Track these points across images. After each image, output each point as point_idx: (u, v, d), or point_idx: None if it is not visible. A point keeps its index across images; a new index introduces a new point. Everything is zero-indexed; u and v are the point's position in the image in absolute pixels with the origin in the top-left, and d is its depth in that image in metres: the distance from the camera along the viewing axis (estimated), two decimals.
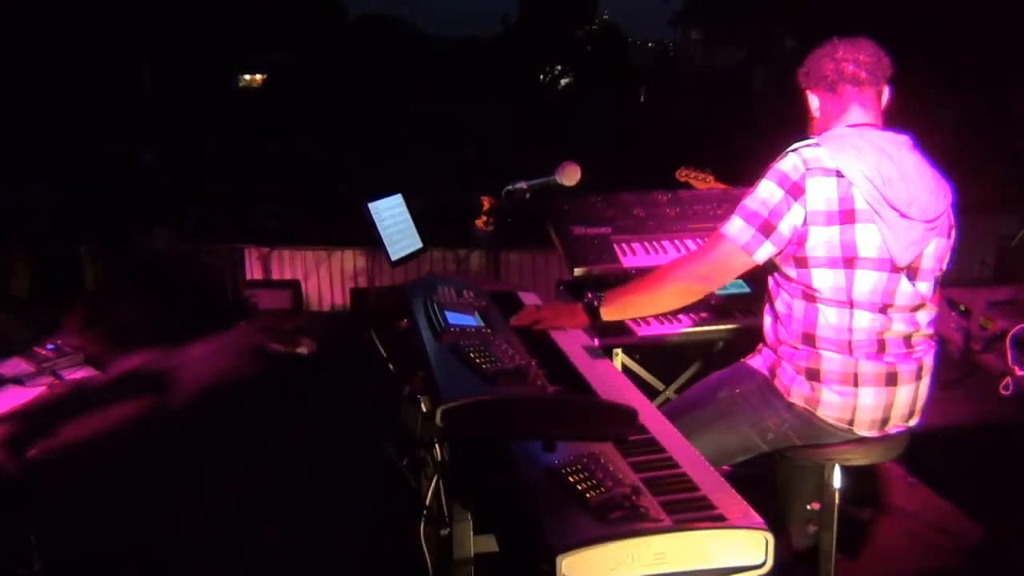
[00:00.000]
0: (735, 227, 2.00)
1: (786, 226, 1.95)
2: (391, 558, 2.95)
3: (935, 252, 2.04)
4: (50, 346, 5.51)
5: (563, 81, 32.84)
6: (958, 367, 4.73)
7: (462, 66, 26.14)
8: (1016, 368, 4.11)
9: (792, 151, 2.00)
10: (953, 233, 2.10)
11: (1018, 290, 4.92)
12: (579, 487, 1.37)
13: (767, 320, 2.18)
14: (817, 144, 2.00)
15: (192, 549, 3.17)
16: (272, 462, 3.95)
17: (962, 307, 4.93)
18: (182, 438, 4.30)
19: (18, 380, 5.14)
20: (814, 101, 2.16)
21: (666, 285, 2.09)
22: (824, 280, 1.98)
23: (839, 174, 1.94)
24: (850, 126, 2.06)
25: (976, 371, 4.63)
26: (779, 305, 2.10)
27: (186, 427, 4.45)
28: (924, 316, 2.06)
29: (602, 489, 1.36)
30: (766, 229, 1.96)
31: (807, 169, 1.95)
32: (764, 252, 1.98)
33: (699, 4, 26.51)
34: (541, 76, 31.51)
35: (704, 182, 3.60)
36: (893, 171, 1.95)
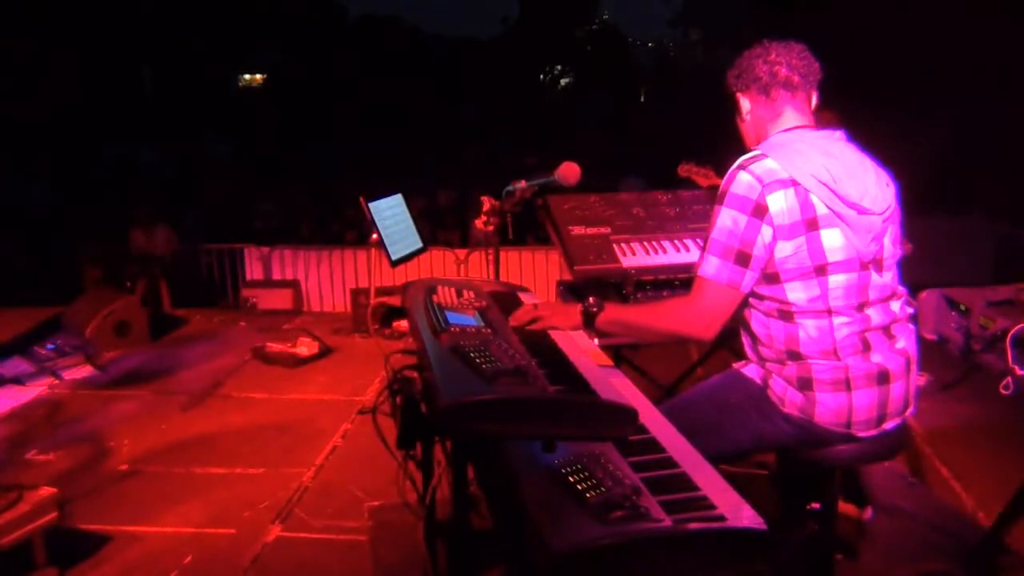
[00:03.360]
0: (712, 267, 1.96)
1: (760, 248, 1.93)
2: (392, 557, 2.95)
3: (891, 239, 2.05)
4: (50, 346, 5.51)
5: (563, 81, 32.83)
6: (958, 367, 4.73)
7: (462, 66, 26.12)
8: (1016, 368, 4.10)
9: (741, 169, 1.96)
10: (900, 218, 2.11)
11: (1018, 290, 4.92)
12: (579, 487, 1.37)
13: (746, 342, 2.16)
14: (763, 155, 1.97)
15: (193, 546, 3.18)
16: (272, 462, 3.95)
17: (962, 307, 4.93)
18: (182, 439, 4.29)
19: (18, 380, 5.14)
20: (745, 104, 2.12)
21: (661, 328, 2.09)
22: (798, 292, 1.96)
23: (794, 183, 1.92)
24: (785, 131, 2.04)
25: (976, 371, 4.63)
26: (755, 327, 2.08)
27: (186, 427, 4.45)
28: (897, 303, 2.07)
29: (602, 489, 1.36)
30: (742, 259, 1.94)
31: (764, 185, 1.92)
32: (749, 281, 1.96)
33: (699, 4, 26.48)
34: (541, 76, 31.49)
35: (706, 177, 3.60)
36: (840, 169, 1.94)
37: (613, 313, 2.18)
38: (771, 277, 1.97)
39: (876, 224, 1.97)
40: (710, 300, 1.98)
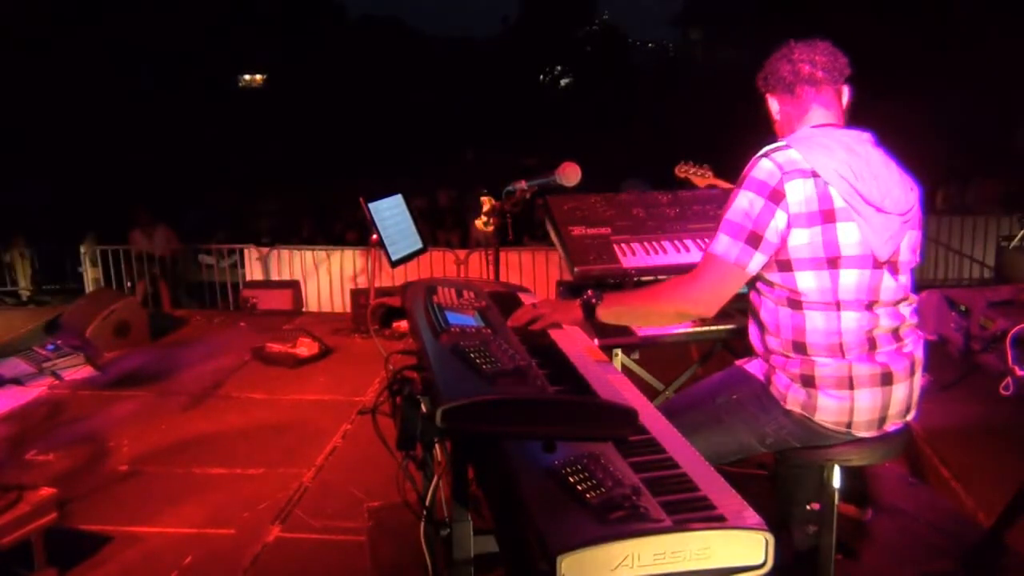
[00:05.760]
0: (722, 245, 1.98)
1: (772, 233, 1.95)
2: (392, 557, 2.95)
3: (910, 244, 2.06)
4: (50, 346, 5.51)
5: (563, 81, 32.86)
6: (958, 367, 4.73)
7: (462, 66, 26.15)
8: (1016, 368, 4.10)
9: (764, 156, 1.99)
10: (921, 225, 2.12)
11: (1018, 290, 4.92)
12: (579, 487, 1.36)
13: (753, 331, 2.17)
14: (787, 146, 1.99)
15: (193, 546, 3.18)
16: (272, 462, 3.95)
17: (962, 307, 4.92)
18: (182, 439, 4.29)
19: (18, 380, 5.15)
20: (774, 105, 2.16)
21: (663, 307, 2.09)
22: (809, 282, 1.97)
23: (815, 174, 1.94)
24: (813, 127, 2.07)
25: (976, 371, 4.63)
26: (764, 315, 2.09)
27: (185, 427, 4.45)
28: (907, 308, 2.07)
29: (602, 489, 1.35)
30: (753, 240, 1.95)
31: (784, 173, 1.94)
32: (756, 263, 1.98)
33: (699, 4, 26.52)
34: (541, 76, 31.52)
35: (703, 177, 3.60)
36: (863, 167, 1.96)
37: (613, 301, 2.18)
38: (783, 265, 1.99)
39: (894, 225, 1.98)
40: (716, 277, 2.00)
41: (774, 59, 2.13)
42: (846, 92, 2.12)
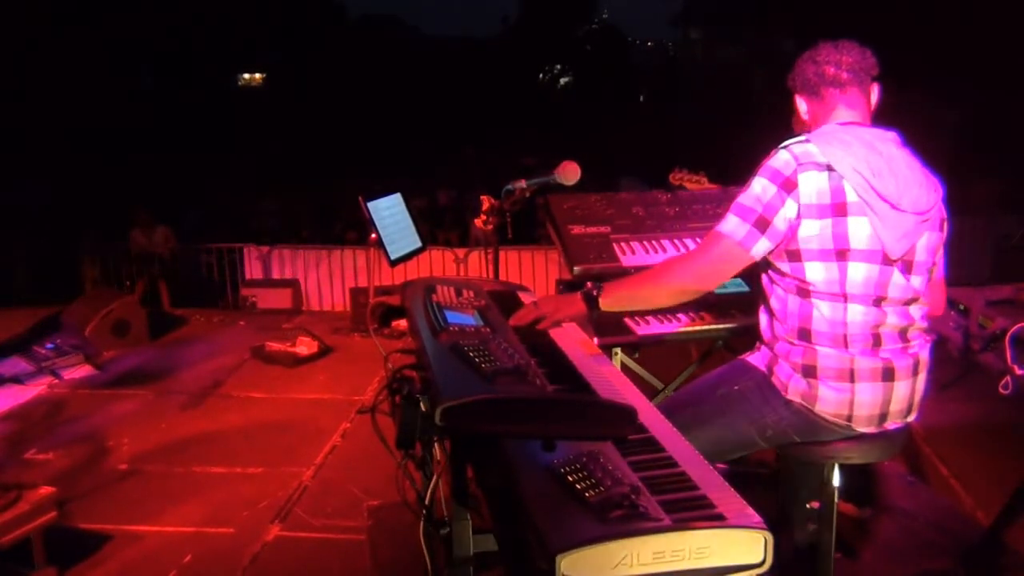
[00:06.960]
0: (730, 224, 2.02)
1: (781, 220, 1.97)
2: (392, 556, 2.95)
3: (927, 245, 2.06)
4: (50, 345, 5.52)
5: (563, 81, 32.85)
6: (957, 366, 4.73)
7: (462, 66, 26.13)
8: (1015, 367, 4.10)
9: (783, 148, 2.03)
10: (945, 227, 2.13)
11: (1017, 289, 4.92)
12: (578, 486, 1.36)
13: (763, 318, 2.19)
14: (807, 140, 2.03)
15: (192, 545, 3.18)
16: (271, 461, 3.95)
17: (961, 306, 4.92)
18: (181, 438, 4.29)
19: (18, 379, 5.15)
20: (802, 105, 2.19)
21: (664, 283, 2.11)
22: (817, 273, 1.99)
23: (830, 168, 1.96)
24: (839, 124, 2.09)
25: (975, 370, 4.63)
26: (773, 302, 2.11)
27: (185, 426, 4.45)
28: (917, 310, 2.08)
29: (601, 488, 1.36)
30: (761, 224, 1.98)
31: (799, 164, 1.97)
32: (761, 248, 2.00)
33: (699, 4, 26.48)
34: (541, 76, 31.52)
35: (698, 184, 3.58)
36: (882, 165, 1.97)
37: (614, 288, 2.18)
38: (793, 255, 2.01)
39: (910, 224, 1.98)
40: (719, 253, 2.02)
41: (801, 60, 2.15)
42: (875, 91, 2.14)
